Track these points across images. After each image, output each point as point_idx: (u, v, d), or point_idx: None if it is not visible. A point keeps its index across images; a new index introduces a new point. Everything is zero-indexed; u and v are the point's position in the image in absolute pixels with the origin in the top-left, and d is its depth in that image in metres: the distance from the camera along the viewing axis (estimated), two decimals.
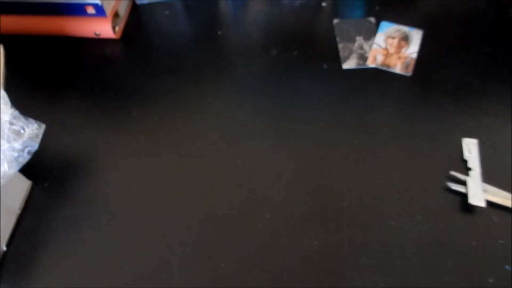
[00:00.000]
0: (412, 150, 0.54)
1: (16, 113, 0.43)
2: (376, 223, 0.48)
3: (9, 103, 0.43)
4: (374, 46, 0.64)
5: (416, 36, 0.65)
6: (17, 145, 0.43)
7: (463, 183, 0.50)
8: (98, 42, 0.67)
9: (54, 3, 0.64)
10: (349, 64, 0.63)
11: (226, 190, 0.52)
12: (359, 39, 0.65)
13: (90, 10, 0.64)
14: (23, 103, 0.46)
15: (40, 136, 0.45)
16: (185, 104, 0.60)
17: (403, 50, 0.64)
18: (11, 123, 0.43)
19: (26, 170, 0.47)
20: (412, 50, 0.64)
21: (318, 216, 0.49)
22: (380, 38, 0.65)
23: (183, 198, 0.51)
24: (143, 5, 0.72)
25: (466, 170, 0.51)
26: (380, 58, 0.63)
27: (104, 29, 0.66)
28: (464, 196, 0.49)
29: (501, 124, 0.55)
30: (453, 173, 0.51)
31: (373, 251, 0.46)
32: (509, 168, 0.51)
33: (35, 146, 0.44)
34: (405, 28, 0.66)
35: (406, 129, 0.56)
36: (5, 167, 0.42)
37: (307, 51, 0.64)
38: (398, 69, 0.62)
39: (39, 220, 0.50)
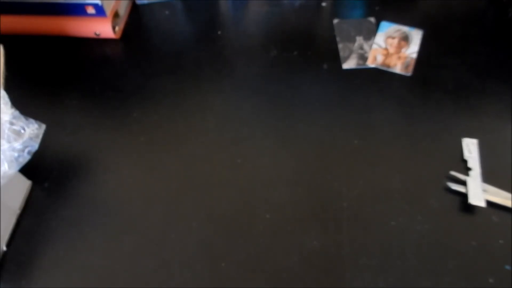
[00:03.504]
0: (412, 150, 0.54)
1: (16, 113, 0.43)
2: (376, 223, 0.48)
3: (9, 103, 0.43)
4: (374, 46, 0.64)
5: (416, 36, 0.65)
6: (17, 145, 0.43)
7: (463, 183, 0.50)
8: (98, 42, 0.67)
9: (54, 3, 0.64)
10: (349, 64, 0.63)
11: (226, 190, 0.52)
12: (359, 39, 0.65)
13: (90, 10, 0.64)
14: (23, 103, 0.46)
15: (40, 136, 0.45)
16: (185, 104, 0.60)
17: (403, 50, 0.64)
18: (11, 123, 0.42)
19: (26, 170, 0.46)
20: (412, 50, 0.64)
21: (318, 216, 0.49)
22: (380, 38, 0.65)
23: (183, 198, 0.51)
24: (143, 5, 0.72)
25: (466, 170, 0.51)
26: (380, 58, 0.63)
27: (104, 29, 0.66)
28: (464, 196, 0.49)
29: (501, 124, 0.55)
30: (453, 173, 0.51)
31: (373, 251, 0.46)
32: (509, 168, 0.51)
33: (35, 146, 0.44)
34: (405, 28, 0.66)
35: (406, 129, 0.56)
36: (5, 167, 0.42)
37: (307, 51, 0.64)
38: (398, 69, 0.62)
39: (39, 220, 0.50)
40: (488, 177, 0.50)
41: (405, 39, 0.65)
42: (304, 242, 0.47)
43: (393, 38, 0.65)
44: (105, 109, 0.60)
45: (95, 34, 0.67)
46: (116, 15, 0.67)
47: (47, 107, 0.60)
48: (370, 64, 0.62)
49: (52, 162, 0.55)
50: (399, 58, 0.63)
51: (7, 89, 0.44)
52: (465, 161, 0.52)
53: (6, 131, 0.42)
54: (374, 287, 0.44)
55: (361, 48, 0.64)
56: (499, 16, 0.67)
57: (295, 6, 0.71)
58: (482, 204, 0.48)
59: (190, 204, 0.51)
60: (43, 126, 0.46)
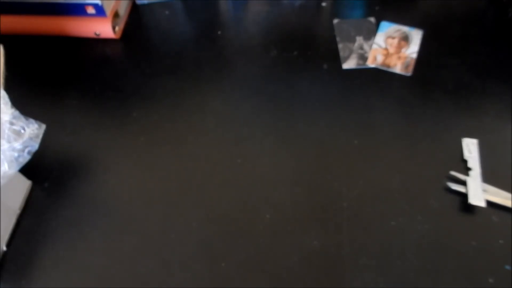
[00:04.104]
0: (412, 150, 0.54)
1: (17, 113, 0.43)
2: (376, 223, 0.48)
3: (9, 103, 0.43)
4: (374, 46, 0.64)
5: (416, 36, 0.65)
6: (17, 145, 0.43)
7: (463, 183, 0.50)
8: (98, 42, 0.67)
9: (54, 3, 0.64)
10: (349, 64, 0.63)
11: (226, 190, 0.52)
12: (359, 39, 0.65)
13: (90, 10, 0.64)
14: (23, 103, 0.46)
15: (41, 136, 0.45)
16: (185, 104, 0.60)
17: (403, 50, 0.64)
18: (12, 123, 0.43)
19: (26, 170, 0.47)
20: (412, 50, 0.64)
21: (318, 216, 0.49)
22: (380, 38, 0.65)
23: (183, 198, 0.51)
24: (143, 5, 0.72)
25: (466, 170, 0.51)
26: (380, 58, 0.63)
27: (104, 29, 0.66)
28: (464, 196, 0.49)
29: (501, 124, 0.55)
30: (453, 173, 0.51)
31: (373, 251, 0.46)
32: (509, 168, 0.51)
33: (35, 146, 0.44)
34: (405, 28, 0.66)
35: (406, 129, 0.56)
36: (5, 167, 0.42)
37: (307, 51, 0.64)
38: (398, 69, 0.62)
39: (39, 220, 0.50)
40: (488, 177, 0.50)
41: (405, 39, 0.65)
42: (304, 242, 0.47)
43: (393, 38, 0.65)
44: (105, 109, 0.60)
45: (95, 34, 0.67)
46: (116, 15, 0.67)
47: (47, 107, 0.60)
48: (370, 64, 0.62)
49: (52, 162, 0.55)
50: (399, 58, 0.63)
51: (7, 89, 0.44)
52: (465, 161, 0.52)
53: (6, 131, 0.42)
54: (374, 287, 0.44)
55: (361, 48, 0.64)
56: (499, 16, 0.67)
57: (295, 6, 0.71)
58: (482, 204, 0.48)
59: (190, 204, 0.51)
60: (43, 126, 0.46)
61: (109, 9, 0.65)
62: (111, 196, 0.52)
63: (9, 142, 0.42)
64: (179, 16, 0.72)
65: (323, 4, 0.71)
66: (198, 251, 0.47)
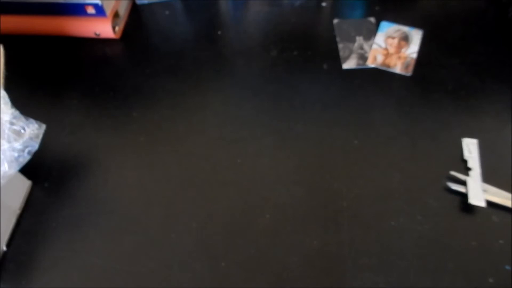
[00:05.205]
0: (412, 150, 0.54)
1: (17, 113, 0.43)
2: (376, 223, 0.48)
3: (9, 103, 0.43)
4: (374, 46, 0.64)
5: (416, 36, 0.65)
6: (18, 145, 0.43)
7: (463, 183, 0.50)
8: (98, 42, 0.67)
9: (54, 3, 0.64)
10: (349, 64, 0.63)
11: (226, 190, 0.52)
12: (359, 39, 0.65)
13: (90, 10, 0.64)
14: (23, 103, 0.46)
15: (41, 136, 0.45)
16: (185, 104, 0.60)
17: (403, 50, 0.64)
18: (12, 123, 0.42)
19: (26, 170, 0.47)
20: (412, 50, 0.64)
21: (318, 216, 0.49)
22: (380, 38, 0.65)
23: (183, 198, 0.51)
24: (143, 5, 0.72)
25: (466, 170, 0.51)
26: (380, 58, 0.63)
27: (104, 29, 0.66)
28: (464, 196, 0.49)
29: (501, 124, 0.55)
30: (453, 173, 0.51)
31: (373, 251, 0.46)
32: (509, 168, 0.51)
33: (35, 146, 0.44)
34: (405, 28, 0.66)
35: (406, 129, 0.56)
36: (5, 167, 0.42)
37: (307, 51, 0.64)
38: (398, 69, 0.62)
39: (39, 220, 0.50)
40: (488, 177, 0.50)
41: (405, 39, 0.65)
42: (304, 242, 0.47)
43: (393, 38, 0.65)
44: (105, 109, 0.60)
45: (95, 34, 0.67)
46: (116, 15, 0.67)
47: (47, 107, 0.60)
48: (370, 64, 0.62)
49: (52, 162, 0.55)
50: (399, 58, 0.63)
51: (7, 89, 0.44)
52: (465, 161, 0.52)
53: (6, 131, 0.42)
54: (374, 287, 0.44)
55: (361, 48, 0.64)
56: (499, 16, 0.67)
57: (295, 6, 0.71)
58: (482, 204, 0.48)
59: (190, 204, 0.51)
60: (43, 126, 0.46)
61: (109, 9, 0.65)
62: (111, 196, 0.52)
63: (9, 142, 0.42)
64: (179, 16, 0.72)
65: (323, 4, 0.71)
66: (198, 251, 0.47)
